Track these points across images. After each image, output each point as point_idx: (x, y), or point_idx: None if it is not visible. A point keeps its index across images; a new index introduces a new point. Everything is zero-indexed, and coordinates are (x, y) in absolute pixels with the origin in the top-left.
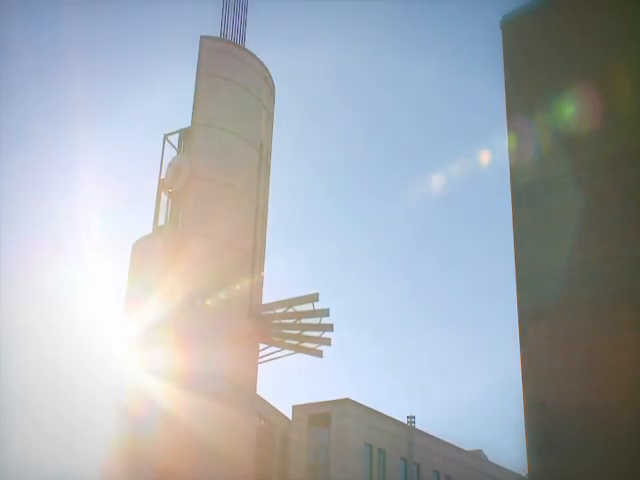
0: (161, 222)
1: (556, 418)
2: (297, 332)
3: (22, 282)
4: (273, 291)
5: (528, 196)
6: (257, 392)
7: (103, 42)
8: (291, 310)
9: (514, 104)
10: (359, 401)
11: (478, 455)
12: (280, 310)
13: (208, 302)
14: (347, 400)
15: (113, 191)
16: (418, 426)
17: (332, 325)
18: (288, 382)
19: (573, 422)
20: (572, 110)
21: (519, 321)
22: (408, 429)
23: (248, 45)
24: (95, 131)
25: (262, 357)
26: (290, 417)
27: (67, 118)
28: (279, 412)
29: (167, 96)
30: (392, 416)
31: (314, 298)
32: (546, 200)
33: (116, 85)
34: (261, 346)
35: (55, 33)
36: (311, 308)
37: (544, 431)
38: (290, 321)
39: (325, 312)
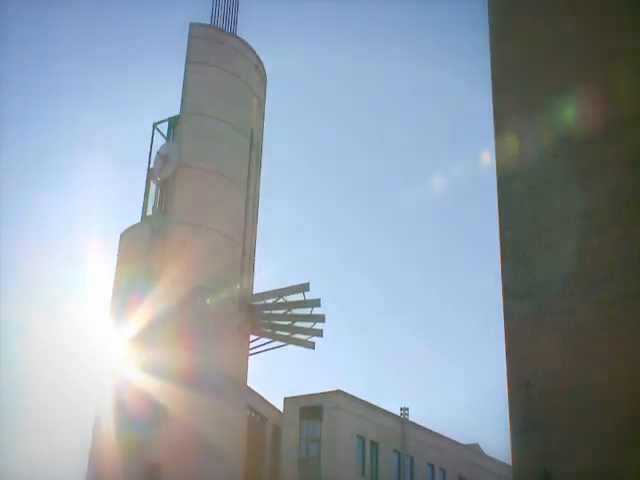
0: (150, 212)
1: (541, 398)
2: (288, 323)
3: (18, 279)
4: (264, 282)
5: (512, 171)
6: (248, 384)
7: (92, 29)
8: (282, 300)
9: (500, 86)
10: (351, 393)
11: (474, 449)
12: (271, 300)
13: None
14: (339, 392)
15: (105, 182)
16: (412, 418)
17: (323, 316)
18: (279, 374)
19: (559, 402)
20: (564, 92)
21: (503, 298)
22: (401, 421)
23: (240, 32)
24: (84, 120)
25: (253, 348)
26: (281, 409)
27: (57, 107)
28: (270, 404)
29: (157, 84)
30: (385, 408)
31: (305, 288)
32: (531, 174)
33: (105, 72)
34: (252, 337)
35: (45, 23)
36: (302, 298)
37: (528, 412)
38: (281, 312)
39: (316, 302)
